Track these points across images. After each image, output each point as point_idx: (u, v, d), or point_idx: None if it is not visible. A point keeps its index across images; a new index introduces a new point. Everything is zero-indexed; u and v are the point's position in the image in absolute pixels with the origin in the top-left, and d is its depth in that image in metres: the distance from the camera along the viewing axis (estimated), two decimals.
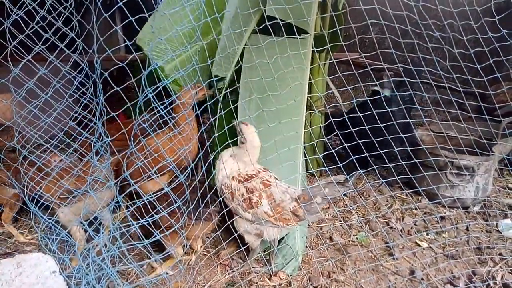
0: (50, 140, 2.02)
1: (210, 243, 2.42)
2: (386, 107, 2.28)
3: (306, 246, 2.40)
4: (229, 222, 2.06)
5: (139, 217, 1.83)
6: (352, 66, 2.29)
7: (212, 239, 2.42)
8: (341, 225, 2.68)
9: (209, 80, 2.10)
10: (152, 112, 1.79)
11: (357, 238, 2.55)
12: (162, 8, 1.86)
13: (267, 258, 2.29)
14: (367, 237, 2.55)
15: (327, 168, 2.15)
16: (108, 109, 1.74)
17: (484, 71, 2.00)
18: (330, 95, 4.02)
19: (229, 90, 2.22)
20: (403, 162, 2.34)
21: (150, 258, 2.00)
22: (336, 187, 1.95)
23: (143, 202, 1.81)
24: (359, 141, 2.10)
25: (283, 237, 2.28)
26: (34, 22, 1.81)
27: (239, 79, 2.48)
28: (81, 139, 2.01)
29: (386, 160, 2.31)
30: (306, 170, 2.76)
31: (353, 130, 2.11)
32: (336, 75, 2.10)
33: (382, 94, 2.58)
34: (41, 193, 2.04)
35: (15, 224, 2.62)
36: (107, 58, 1.81)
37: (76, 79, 1.98)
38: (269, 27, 2.00)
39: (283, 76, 2.25)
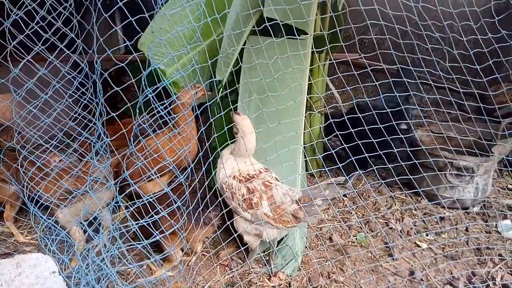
0: (50, 140, 2.02)
1: (209, 243, 2.42)
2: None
3: (306, 247, 2.40)
4: (228, 223, 2.06)
5: (138, 217, 1.83)
6: (352, 66, 2.29)
7: (212, 240, 2.42)
8: (340, 226, 2.68)
9: (209, 81, 2.10)
10: (152, 113, 1.78)
11: (356, 238, 2.55)
12: (162, 9, 1.86)
13: (267, 258, 2.29)
14: (367, 238, 2.55)
15: (326, 169, 2.15)
16: (108, 109, 1.74)
17: (483, 71, 2.00)
18: (330, 96, 4.02)
19: (228, 90, 2.22)
20: (402, 163, 2.34)
21: (149, 259, 1.99)
22: (336, 188, 1.95)
23: (142, 203, 1.81)
24: (359, 142, 2.10)
25: (283, 238, 2.28)
26: (34, 22, 1.81)
27: (238, 79, 2.48)
28: (80, 139, 2.01)
29: (386, 161, 2.31)
30: (306, 170, 2.76)
31: (352, 130, 2.11)
32: (336, 76, 2.10)
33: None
34: (41, 193, 2.04)
35: (15, 224, 2.61)
36: (107, 58, 1.81)
37: (76, 80, 1.98)
38: (269, 27, 2.00)
39: (282, 77, 2.25)
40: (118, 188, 1.99)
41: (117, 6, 1.65)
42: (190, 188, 1.93)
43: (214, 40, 2.31)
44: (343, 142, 2.25)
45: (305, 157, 2.50)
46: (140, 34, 2.24)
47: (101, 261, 1.77)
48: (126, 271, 2.17)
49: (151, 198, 1.82)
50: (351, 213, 2.87)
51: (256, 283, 2.13)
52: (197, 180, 1.96)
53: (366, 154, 2.11)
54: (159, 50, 2.24)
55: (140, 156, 1.91)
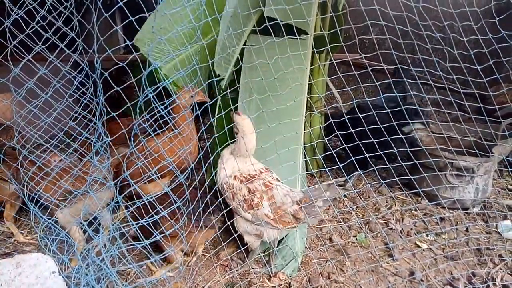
0: (50, 140, 2.02)
1: (209, 243, 2.42)
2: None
3: (306, 247, 2.39)
4: (229, 223, 2.06)
5: (139, 217, 1.83)
6: (352, 66, 2.30)
7: (212, 240, 2.42)
8: (340, 226, 2.68)
9: (210, 81, 2.09)
10: (152, 113, 1.78)
11: (356, 239, 2.55)
12: (162, 8, 1.86)
13: (267, 259, 2.29)
14: (367, 238, 2.54)
15: (327, 169, 2.15)
16: (108, 109, 1.74)
17: (484, 72, 2.00)
18: (330, 96, 4.02)
19: (229, 90, 2.22)
20: (403, 163, 2.34)
21: (149, 259, 1.99)
22: (337, 188, 1.95)
23: (143, 203, 1.81)
24: (359, 142, 2.10)
25: (283, 238, 2.28)
26: (35, 21, 1.81)
27: (239, 79, 2.48)
28: (81, 139, 2.00)
29: (386, 161, 2.31)
30: (306, 170, 2.76)
31: (352, 131, 2.10)
32: (336, 76, 2.10)
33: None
34: (41, 193, 2.04)
35: (15, 224, 2.61)
36: (107, 58, 1.81)
37: (76, 79, 1.97)
38: (269, 27, 2.00)
39: (283, 77, 2.25)
40: (118, 188, 1.99)
41: (117, 6, 1.64)
42: (191, 188, 1.93)
43: (214, 39, 2.31)
44: (343, 142, 2.25)
45: (305, 157, 2.50)
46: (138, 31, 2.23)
47: (101, 261, 1.77)
48: (126, 271, 2.17)
49: (151, 198, 1.82)
50: (351, 213, 2.87)
51: (256, 283, 2.12)
52: (197, 180, 1.96)
53: (367, 155, 2.11)
54: (157, 47, 2.23)
55: (140, 156, 1.91)
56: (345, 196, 3.03)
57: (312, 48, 2.64)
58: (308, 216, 1.97)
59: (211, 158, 2.05)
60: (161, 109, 1.73)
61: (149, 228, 1.80)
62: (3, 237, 2.53)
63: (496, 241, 2.52)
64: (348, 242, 2.52)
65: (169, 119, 2.00)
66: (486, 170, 2.82)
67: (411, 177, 2.29)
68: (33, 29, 1.82)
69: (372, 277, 2.19)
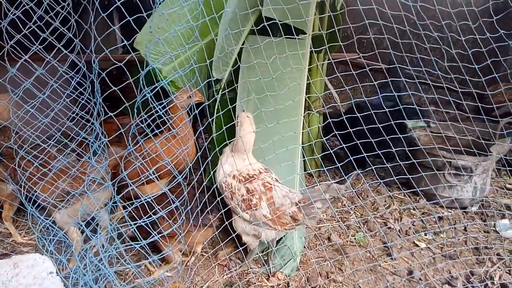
0: (48, 140, 2.01)
1: (208, 243, 2.42)
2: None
3: (304, 247, 2.40)
4: (227, 223, 2.06)
5: (137, 217, 1.83)
6: (351, 66, 2.29)
7: (210, 240, 2.41)
8: (339, 226, 2.68)
9: (207, 80, 2.09)
10: (150, 113, 1.78)
11: (355, 238, 2.55)
12: (160, 8, 1.85)
13: (265, 258, 2.29)
14: (365, 238, 2.55)
15: (325, 169, 2.15)
16: (106, 109, 1.74)
17: (482, 71, 2.00)
18: (329, 96, 4.02)
19: (227, 90, 2.21)
20: (401, 163, 2.34)
21: (147, 259, 1.99)
22: (336, 189, 1.94)
23: (140, 203, 1.81)
24: (357, 142, 2.10)
25: (281, 238, 2.28)
26: (32, 21, 1.80)
27: (237, 79, 2.48)
28: (78, 139, 2.00)
29: (384, 160, 2.31)
30: (305, 170, 2.76)
31: (351, 130, 2.11)
32: (335, 75, 2.10)
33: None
34: (38, 193, 2.03)
35: (13, 225, 2.60)
36: (105, 58, 1.80)
37: (74, 79, 1.97)
38: (267, 27, 2.00)
39: (281, 76, 2.25)
40: (116, 189, 1.99)
41: (115, 6, 1.64)
42: (189, 188, 1.92)
43: (212, 39, 2.30)
44: (341, 142, 2.24)
45: (303, 157, 2.50)
46: (138, 34, 2.23)
47: (99, 261, 1.77)
48: (124, 272, 2.17)
49: (149, 198, 1.81)
50: (350, 213, 2.87)
51: (255, 283, 2.12)
52: (195, 180, 1.95)
53: (365, 154, 2.11)
54: (156, 48, 2.23)
55: (138, 156, 1.91)
56: (343, 195, 3.03)
57: (310, 48, 2.64)
58: (307, 217, 1.97)
59: (209, 158, 2.04)
60: (159, 109, 1.73)
61: (147, 228, 1.80)
62: (1, 238, 2.53)
63: (494, 240, 2.53)
64: (347, 241, 2.53)
65: (166, 119, 1.99)
66: (484, 169, 2.82)
67: (409, 177, 2.29)
68: (30, 29, 1.81)
69: (371, 276, 2.19)
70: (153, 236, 1.77)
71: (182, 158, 2.18)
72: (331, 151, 2.15)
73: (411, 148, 2.39)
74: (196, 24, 1.82)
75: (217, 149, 2.08)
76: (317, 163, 3.28)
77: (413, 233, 2.62)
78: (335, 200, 2.00)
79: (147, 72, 1.67)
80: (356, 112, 2.10)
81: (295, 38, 2.41)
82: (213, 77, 2.07)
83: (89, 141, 1.90)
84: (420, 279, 2.18)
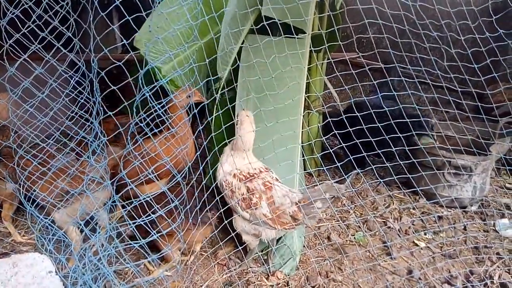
0: (47, 140, 2.01)
1: (207, 242, 2.42)
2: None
3: (304, 246, 2.40)
4: (226, 222, 2.06)
5: (136, 216, 1.82)
6: (350, 66, 2.29)
7: (210, 239, 2.41)
8: (339, 225, 2.68)
9: (207, 79, 2.09)
10: (149, 112, 1.77)
11: (355, 237, 2.55)
12: (159, 7, 1.85)
13: (265, 257, 2.29)
14: (365, 237, 2.55)
15: (325, 168, 2.15)
16: (105, 108, 1.74)
17: (481, 71, 2.00)
18: (328, 95, 4.02)
19: (226, 89, 2.21)
20: (401, 162, 2.34)
21: (147, 258, 1.99)
22: (336, 189, 1.94)
23: (139, 202, 1.80)
24: (357, 141, 2.10)
25: (281, 237, 2.28)
26: (31, 21, 1.80)
27: (237, 78, 2.48)
28: (77, 138, 2.00)
29: (384, 160, 2.31)
30: (304, 169, 2.76)
31: (350, 129, 2.10)
32: (334, 75, 2.10)
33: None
34: (37, 192, 2.03)
35: (13, 224, 2.60)
36: (104, 57, 1.80)
37: (73, 78, 1.97)
38: (267, 26, 2.00)
39: (280, 76, 2.24)
40: (115, 188, 1.98)
41: (114, 5, 1.64)
42: (188, 187, 1.92)
43: (211, 39, 2.30)
44: (341, 141, 2.24)
45: (303, 156, 2.50)
46: (137, 33, 2.23)
47: (98, 260, 1.76)
48: (123, 271, 2.17)
49: (148, 197, 1.81)
50: (350, 212, 2.87)
51: (254, 282, 2.12)
52: (194, 179, 1.95)
53: (365, 153, 2.11)
54: (155, 47, 2.23)
55: (137, 155, 1.90)
56: (343, 194, 3.03)
57: (310, 47, 2.64)
58: (307, 217, 1.96)
59: (208, 157, 2.04)
60: (158, 108, 1.73)
61: (146, 228, 1.79)
62: (1, 237, 2.52)
63: (493, 239, 2.53)
64: (346, 240, 2.53)
65: (165, 118, 1.99)
66: (484, 169, 2.82)
67: (409, 176, 2.29)
68: (29, 28, 1.81)
69: (370, 276, 2.19)
70: (152, 235, 1.77)
71: (181, 158, 2.17)
72: (331, 151, 2.14)
73: (410, 148, 2.40)
74: (195, 23, 1.82)
75: (216, 148, 2.08)
76: (316, 162, 3.27)
77: (413, 233, 2.62)
78: (335, 199, 2.00)
79: (146, 72, 1.67)
80: (356, 112, 2.10)
81: (294, 38, 2.41)
82: (212, 76, 2.07)
83: (88, 140, 1.90)
84: (419, 278, 2.18)
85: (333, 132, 2.29)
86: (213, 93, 2.28)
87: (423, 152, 2.64)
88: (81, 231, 2.14)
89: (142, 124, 1.71)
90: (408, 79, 2.49)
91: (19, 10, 1.78)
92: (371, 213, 2.81)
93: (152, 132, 1.80)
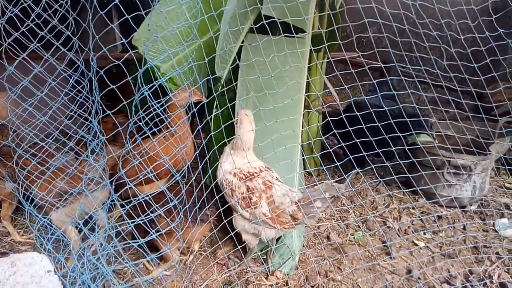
0: (46, 139, 2.00)
1: (206, 242, 2.41)
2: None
3: (303, 245, 2.39)
4: (225, 221, 2.05)
5: (134, 216, 1.82)
6: (350, 65, 2.29)
7: (209, 239, 2.41)
8: (338, 225, 2.67)
9: (206, 78, 2.09)
10: (148, 111, 1.77)
11: (354, 237, 2.55)
12: (159, 6, 1.85)
13: (264, 257, 2.29)
14: (364, 237, 2.54)
15: (324, 167, 2.15)
16: (104, 107, 1.73)
17: (481, 70, 2.00)
18: (328, 95, 4.02)
19: (225, 88, 2.21)
20: (400, 161, 2.34)
21: (145, 258, 1.99)
22: (336, 189, 1.93)
23: (138, 202, 1.80)
24: (356, 140, 2.09)
25: (280, 237, 2.28)
26: (30, 19, 1.80)
27: (236, 77, 2.48)
28: (76, 137, 1.99)
29: (384, 159, 2.31)
30: (304, 169, 2.76)
31: (350, 129, 2.10)
32: (333, 74, 2.09)
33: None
34: (36, 192, 2.02)
35: (12, 223, 2.60)
36: (103, 56, 1.79)
37: (72, 77, 1.96)
38: (267, 25, 1.99)
39: (280, 75, 2.24)
40: (113, 187, 1.98)
41: (113, 4, 1.63)
42: (187, 186, 1.92)
43: (211, 38, 2.30)
44: (340, 141, 2.24)
45: (302, 156, 2.50)
46: (136, 32, 2.22)
47: (97, 260, 1.76)
48: (122, 270, 2.16)
49: (147, 196, 1.81)
50: (349, 212, 2.87)
51: (254, 282, 2.12)
52: (193, 178, 1.95)
53: (364, 153, 2.11)
54: (154, 46, 2.23)
55: (136, 154, 1.90)
56: (342, 194, 3.03)
57: (310, 47, 2.63)
58: (306, 216, 1.96)
59: (207, 156, 2.04)
60: (157, 107, 1.72)
61: (145, 227, 1.79)
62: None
63: (493, 239, 2.53)
64: (346, 240, 2.52)
65: (164, 117, 1.99)
66: (484, 168, 2.82)
67: (409, 175, 2.29)
68: (28, 27, 1.80)
69: (370, 275, 2.19)
70: (151, 235, 1.77)
71: (180, 157, 2.17)
72: (330, 150, 2.14)
73: (410, 147, 2.39)
74: (194, 22, 1.82)
75: (216, 147, 2.08)
76: (316, 162, 3.27)
77: (412, 232, 2.62)
78: (334, 199, 1.99)
79: (145, 71, 1.67)
80: (355, 111, 2.09)
81: (294, 37, 2.41)
82: (211, 75, 2.07)
83: (87, 139, 1.90)
84: (419, 278, 2.18)
85: (332, 132, 2.28)
86: (213, 92, 2.28)
87: (423, 151, 2.63)
88: (80, 230, 2.14)
89: (141, 123, 1.70)
90: (408, 79, 2.49)
91: (18, 9, 1.77)
92: (370, 212, 2.81)
93: (151, 131, 1.79)
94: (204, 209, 2.01)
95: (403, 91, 3.04)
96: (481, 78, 2.03)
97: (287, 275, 2.17)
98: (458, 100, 2.19)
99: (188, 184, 1.96)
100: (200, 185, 2.02)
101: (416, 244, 2.52)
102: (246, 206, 2.00)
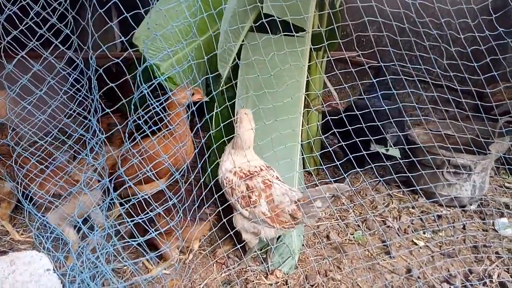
0: (45, 137, 2.00)
1: (206, 241, 2.41)
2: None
3: (303, 245, 2.39)
4: (224, 220, 2.05)
5: (134, 214, 1.82)
6: (350, 64, 2.29)
7: (208, 238, 2.41)
8: (338, 224, 2.67)
9: (205, 77, 2.09)
10: (147, 109, 1.77)
11: (354, 236, 2.54)
12: (158, 4, 1.85)
13: (264, 256, 2.28)
14: (364, 236, 2.54)
15: (324, 167, 2.15)
16: (103, 105, 1.73)
17: (481, 69, 1.99)
18: (328, 94, 4.01)
19: (225, 87, 2.21)
20: (400, 161, 2.34)
21: (145, 256, 1.98)
22: (337, 190, 1.92)
23: (137, 200, 1.80)
24: (356, 140, 2.09)
25: (280, 236, 2.27)
26: (29, 18, 1.79)
27: (236, 76, 2.47)
28: (75, 136, 1.99)
29: (384, 159, 2.31)
30: (303, 168, 2.75)
31: (350, 128, 2.10)
32: (333, 73, 2.09)
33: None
34: (35, 190, 2.02)
35: (11, 222, 2.59)
36: (102, 55, 1.79)
37: (71, 76, 1.96)
38: (266, 24, 1.99)
39: (280, 74, 2.24)
40: (113, 186, 1.97)
41: (112, 2, 1.63)
42: (186, 185, 1.92)
43: (210, 36, 2.30)
44: (340, 140, 2.24)
45: (302, 155, 2.49)
46: (136, 30, 2.22)
47: (96, 258, 1.76)
48: (122, 269, 2.16)
49: (147, 195, 1.81)
50: (349, 211, 2.87)
51: (253, 281, 2.12)
52: (192, 177, 1.95)
53: (364, 152, 2.10)
54: (154, 44, 2.22)
55: (135, 152, 1.90)
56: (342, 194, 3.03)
57: (310, 45, 2.63)
58: (306, 216, 1.96)
59: (207, 155, 2.04)
60: (156, 106, 1.72)
61: (144, 226, 1.79)
62: None
63: (493, 239, 2.53)
64: (345, 239, 2.52)
65: (164, 116, 1.98)
66: (483, 168, 2.82)
67: (409, 175, 2.29)
68: (27, 26, 1.79)
69: (369, 275, 2.19)
70: (150, 233, 1.76)
71: (180, 156, 2.17)
72: (330, 149, 2.14)
73: (410, 146, 2.39)
74: (194, 20, 1.82)
75: (215, 146, 2.08)
76: (316, 161, 3.27)
77: (412, 232, 2.62)
78: (334, 199, 1.99)
79: (145, 69, 1.66)
80: (355, 111, 2.09)
81: (294, 36, 2.40)
82: (210, 74, 2.06)
83: (87, 138, 1.89)
84: (418, 277, 2.18)
85: (332, 131, 2.28)
86: (212, 90, 2.28)
87: (423, 151, 2.63)
88: (80, 229, 2.14)
89: (140, 122, 1.70)
90: (408, 78, 2.48)
91: (16, 7, 1.77)
92: (370, 212, 2.80)
93: (150, 130, 1.79)
94: (203, 208, 2.01)
95: (401, 90, 3.03)
96: (481, 77, 2.02)
97: (287, 274, 2.17)
98: (458, 100, 2.19)
99: (187, 183, 1.95)
100: (199, 184, 2.02)
101: (415, 244, 2.52)
102: (246, 205, 2.00)
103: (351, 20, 1.99)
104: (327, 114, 2.40)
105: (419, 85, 2.35)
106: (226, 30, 2.33)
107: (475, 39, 2.01)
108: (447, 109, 2.31)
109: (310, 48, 2.55)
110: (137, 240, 1.76)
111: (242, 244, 2.15)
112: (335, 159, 2.09)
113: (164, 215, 1.84)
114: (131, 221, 1.79)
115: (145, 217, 1.78)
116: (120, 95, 1.69)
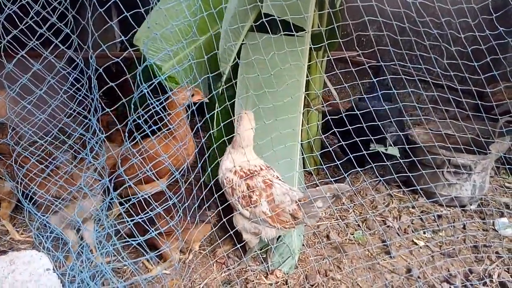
0: (45, 137, 2.00)
1: (206, 241, 2.41)
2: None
3: (303, 245, 2.39)
4: (224, 220, 2.05)
5: (134, 215, 1.82)
6: (350, 64, 2.28)
7: (208, 237, 2.41)
8: (338, 224, 2.67)
9: (205, 76, 2.08)
10: (147, 109, 1.76)
11: (354, 236, 2.54)
12: (158, 3, 1.85)
13: (264, 256, 2.28)
14: (364, 236, 2.54)
15: (324, 166, 2.15)
16: (103, 105, 1.73)
17: (481, 69, 1.99)
18: (327, 94, 4.01)
19: (225, 86, 2.21)
20: (401, 160, 2.33)
21: (145, 256, 1.98)
22: (338, 190, 1.92)
23: (137, 200, 1.80)
24: (357, 139, 2.09)
25: (280, 236, 2.27)
26: (29, 17, 1.79)
27: (236, 75, 2.47)
28: (75, 135, 1.99)
29: (384, 158, 2.30)
30: (303, 168, 2.75)
31: (350, 127, 2.10)
32: (333, 73, 2.09)
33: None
34: (35, 190, 2.02)
35: (11, 222, 2.59)
36: (102, 55, 1.79)
37: (71, 75, 1.96)
38: (266, 24, 1.99)
39: (280, 73, 2.24)
40: (113, 185, 1.97)
41: (112, 1, 1.63)
42: (186, 184, 1.91)
43: (210, 36, 2.30)
44: (340, 140, 2.23)
45: (302, 155, 2.49)
46: (136, 30, 2.22)
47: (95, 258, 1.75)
48: (121, 269, 2.16)
49: (147, 195, 1.80)
50: (349, 211, 2.86)
51: (253, 281, 2.12)
52: (192, 176, 1.95)
53: (364, 152, 2.10)
54: (154, 45, 2.22)
55: (135, 152, 1.90)
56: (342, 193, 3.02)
57: (310, 45, 2.63)
58: (307, 216, 1.96)
59: (207, 155, 2.04)
60: (156, 105, 1.72)
61: (144, 226, 1.79)
62: None
63: (493, 238, 2.53)
64: (345, 239, 2.52)
65: (164, 115, 1.98)
66: (484, 168, 2.81)
67: (409, 174, 2.29)
68: (27, 25, 1.79)
69: (369, 274, 2.19)
70: (150, 233, 1.76)
71: (180, 155, 2.16)
72: (330, 149, 2.14)
73: (410, 146, 2.39)
74: (194, 20, 1.81)
75: (215, 145, 2.07)
76: (316, 161, 3.27)
77: (412, 231, 2.62)
78: (335, 199, 1.98)
79: (145, 69, 1.66)
80: (356, 111, 2.09)
81: (294, 35, 2.40)
82: (210, 74, 2.06)
83: (86, 137, 1.89)
84: (418, 277, 2.17)
85: (332, 131, 2.28)
86: (213, 90, 2.28)
87: (423, 150, 2.63)
88: (79, 229, 2.13)
89: (140, 121, 1.70)
90: (408, 77, 2.48)
91: (16, 6, 1.76)
92: (370, 212, 2.80)
93: (150, 129, 1.79)
94: (203, 207, 2.00)
95: (401, 90, 3.03)
96: (481, 77, 2.02)
97: (287, 274, 2.17)
98: (459, 99, 2.19)
99: (187, 183, 1.95)
100: (199, 183, 2.01)
101: (416, 243, 2.52)
102: (246, 205, 2.00)
103: (351, 20, 1.99)
104: (327, 114, 2.40)
105: (420, 85, 2.35)
106: (226, 29, 2.33)
107: (476, 39, 2.01)
108: (447, 108, 2.31)
109: (310, 48, 2.55)
110: (137, 240, 1.76)
111: (242, 244, 2.15)
112: (335, 159, 2.09)
113: (164, 215, 1.84)
114: (131, 220, 1.79)
115: (145, 217, 1.77)
116: (120, 94, 1.68)
